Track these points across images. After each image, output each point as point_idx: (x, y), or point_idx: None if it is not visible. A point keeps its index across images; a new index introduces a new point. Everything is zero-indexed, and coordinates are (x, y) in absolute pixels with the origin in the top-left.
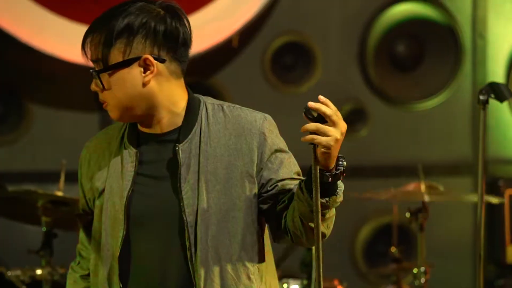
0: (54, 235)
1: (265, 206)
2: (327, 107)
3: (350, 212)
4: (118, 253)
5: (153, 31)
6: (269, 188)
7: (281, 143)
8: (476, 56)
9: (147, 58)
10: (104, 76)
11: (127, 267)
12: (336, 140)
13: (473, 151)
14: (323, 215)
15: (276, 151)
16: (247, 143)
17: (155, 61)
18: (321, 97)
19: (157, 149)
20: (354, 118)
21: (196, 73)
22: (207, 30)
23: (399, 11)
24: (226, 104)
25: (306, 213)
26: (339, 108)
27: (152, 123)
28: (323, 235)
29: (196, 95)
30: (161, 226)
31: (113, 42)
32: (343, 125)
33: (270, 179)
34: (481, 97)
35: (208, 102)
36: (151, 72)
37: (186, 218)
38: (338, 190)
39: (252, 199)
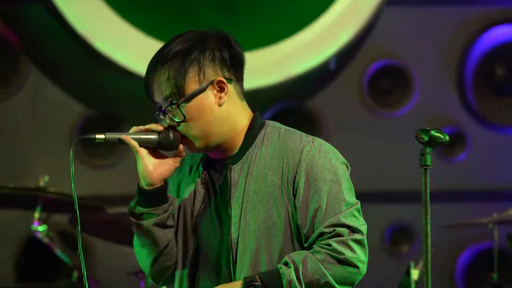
0: None
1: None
2: None
3: (450, 237)
4: (188, 264)
5: (220, 55)
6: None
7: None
8: None
9: (220, 80)
10: (182, 108)
11: (195, 273)
12: None
13: None
14: None
15: (312, 176)
16: (287, 163)
17: (227, 82)
18: None
19: (220, 171)
20: (452, 142)
21: (293, 97)
22: (304, 53)
23: (497, 34)
24: (284, 128)
25: None
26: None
27: (223, 148)
28: None
29: (263, 120)
30: (217, 243)
31: (186, 73)
32: None
33: (299, 207)
34: None
35: (270, 126)
36: (226, 93)
37: (231, 236)
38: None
39: (291, 219)
